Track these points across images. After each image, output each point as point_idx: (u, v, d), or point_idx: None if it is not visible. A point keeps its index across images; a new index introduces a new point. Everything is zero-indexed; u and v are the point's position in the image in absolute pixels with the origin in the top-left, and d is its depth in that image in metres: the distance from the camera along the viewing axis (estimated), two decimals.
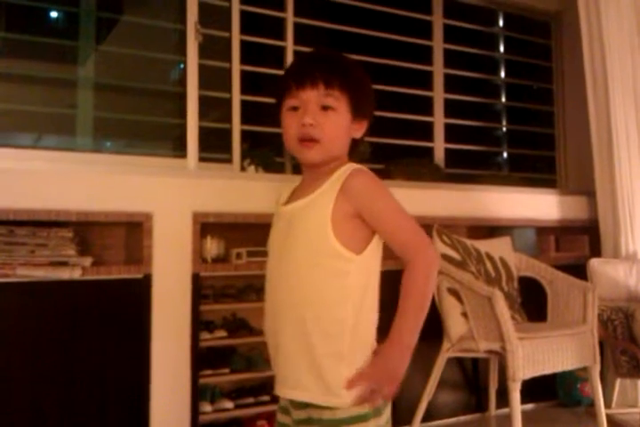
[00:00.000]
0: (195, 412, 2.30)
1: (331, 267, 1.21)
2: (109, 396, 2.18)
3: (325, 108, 1.26)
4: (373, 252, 1.25)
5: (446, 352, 2.56)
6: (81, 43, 2.75)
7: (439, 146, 3.36)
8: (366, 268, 1.24)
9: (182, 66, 2.71)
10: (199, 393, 2.32)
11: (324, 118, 1.26)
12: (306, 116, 1.26)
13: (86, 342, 2.16)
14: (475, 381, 2.96)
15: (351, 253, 1.21)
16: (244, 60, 2.84)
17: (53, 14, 2.79)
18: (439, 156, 3.34)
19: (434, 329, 2.60)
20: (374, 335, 1.26)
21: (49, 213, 2.09)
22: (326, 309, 1.20)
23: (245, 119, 2.80)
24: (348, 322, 1.20)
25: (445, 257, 2.59)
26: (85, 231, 2.24)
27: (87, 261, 2.11)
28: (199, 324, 2.35)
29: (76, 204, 2.15)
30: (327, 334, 1.20)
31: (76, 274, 2.05)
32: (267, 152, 2.81)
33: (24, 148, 2.38)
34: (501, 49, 3.80)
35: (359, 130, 1.34)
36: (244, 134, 2.80)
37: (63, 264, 2.06)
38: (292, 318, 1.22)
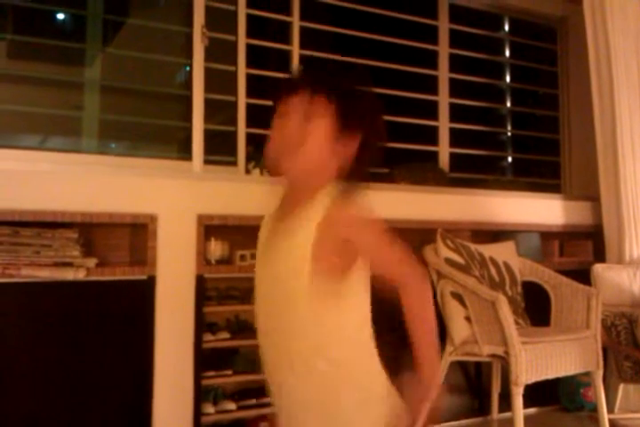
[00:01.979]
0: (197, 413, 2.30)
1: (314, 309, 1.14)
2: (112, 396, 2.19)
3: (306, 117, 1.16)
4: (358, 284, 1.17)
5: (449, 356, 2.56)
6: (87, 45, 2.76)
7: (444, 150, 3.36)
8: (354, 303, 1.17)
9: (188, 68, 2.72)
10: (202, 394, 2.33)
11: (300, 128, 1.15)
12: (277, 127, 1.17)
13: (89, 342, 2.17)
14: (477, 385, 2.95)
15: (335, 293, 1.14)
16: (249, 64, 2.85)
17: (60, 16, 2.80)
18: (444, 160, 3.34)
19: (437, 333, 2.60)
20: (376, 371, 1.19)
21: (54, 215, 2.10)
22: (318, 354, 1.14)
23: (250, 122, 2.82)
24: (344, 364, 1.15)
25: (449, 261, 2.59)
26: (90, 232, 2.25)
27: (92, 262, 2.12)
28: (203, 325, 2.35)
29: (81, 205, 2.17)
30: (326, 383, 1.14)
31: (80, 275, 2.06)
32: None
33: (30, 149, 2.39)
34: (507, 54, 3.80)
35: (344, 150, 1.17)
36: (249, 137, 2.81)
37: (68, 265, 2.07)
38: (289, 368, 1.16)
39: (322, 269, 1.12)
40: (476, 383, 2.95)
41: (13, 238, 2.02)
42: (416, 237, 2.78)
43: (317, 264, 1.12)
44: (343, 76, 1.25)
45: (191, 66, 2.65)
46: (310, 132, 1.16)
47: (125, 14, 2.84)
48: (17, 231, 2.04)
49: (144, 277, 2.24)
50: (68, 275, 2.04)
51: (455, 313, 2.55)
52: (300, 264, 1.12)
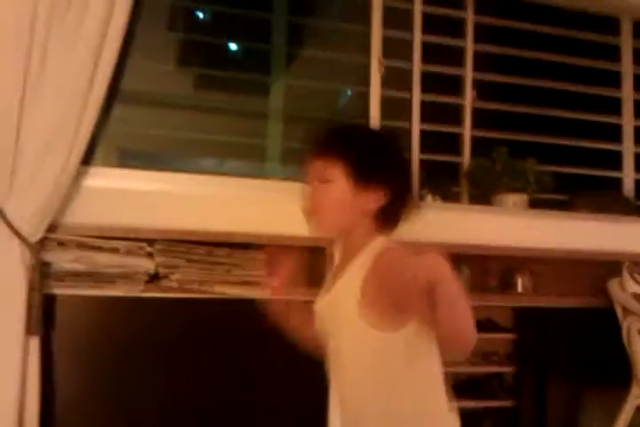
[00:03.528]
0: None
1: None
2: (284, 414, 2.29)
3: (322, 181, 1.28)
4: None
5: (636, 399, 2.38)
6: (267, 77, 2.87)
7: (629, 176, 3.16)
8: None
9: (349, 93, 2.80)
10: None
11: (319, 192, 1.28)
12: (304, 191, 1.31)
13: (269, 358, 2.29)
14: None
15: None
16: (424, 90, 2.87)
17: (234, 47, 2.94)
18: (628, 187, 3.14)
19: (621, 374, 2.43)
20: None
21: (244, 236, 2.25)
22: None
23: (424, 148, 2.83)
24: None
25: (638, 297, 2.42)
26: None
27: (276, 281, 2.23)
28: None
29: (266, 228, 2.30)
30: None
31: (265, 293, 2.18)
32: (445, 181, 2.82)
33: (227, 175, 2.56)
34: None
35: (374, 200, 1.27)
36: (423, 163, 2.83)
37: (254, 284, 2.20)
38: None
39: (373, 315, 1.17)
40: None
41: (208, 257, 2.19)
42: (599, 269, 2.63)
43: (367, 310, 1.17)
44: (359, 137, 1.32)
45: (367, 94, 2.73)
46: (327, 195, 1.27)
47: (300, 45, 2.97)
48: (212, 251, 2.21)
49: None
50: (255, 293, 2.18)
51: None
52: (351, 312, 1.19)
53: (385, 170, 1.28)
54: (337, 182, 1.26)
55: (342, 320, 1.24)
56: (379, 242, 1.27)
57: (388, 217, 1.30)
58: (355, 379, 1.24)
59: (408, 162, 1.36)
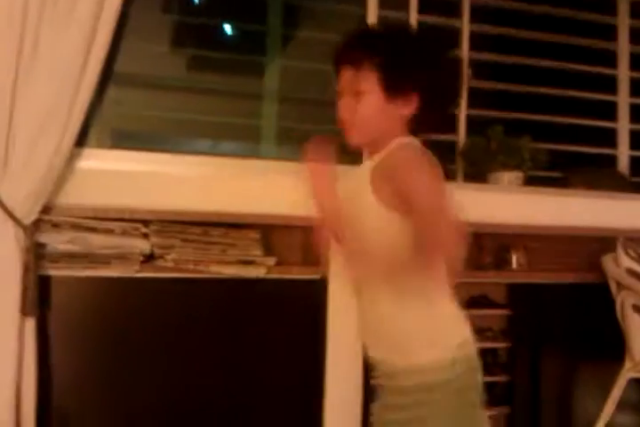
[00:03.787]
0: (367, 415, 2.35)
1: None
2: (280, 395, 2.30)
3: (355, 90, 1.28)
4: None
5: (628, 372, 2.40)
6: (252, 57, 2.86)
7: (623, 154, 3.16)
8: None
9: None
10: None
11: (353, 104, 1.29)
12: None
13: (266, 337, 2.31)
14: None
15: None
16: None
17: (228, 28, 2.90)
18: (623, 164, 3.14)
19: (614, 348, 2.45)
20: None
21: (236, 216, 2.25)
22: None
23: None
24: None
25: (631, 272, 2.43)
26: (269, 233, 2.38)
27: (271, 260, 2.25)
28: None
29: (260, 207, 2.30)
30: None
31: (261, 272, 2.20)
32: (440, 159, 2.80)
33: (222, 155, 2.56)
34: None
35: (406, 106, 1.29)
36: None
37: (250, 263, 2.21)
38: None
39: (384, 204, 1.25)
40: None
41: (204, 237, 2.20)
42: (594, 245, 2.64)
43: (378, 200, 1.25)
44: (387, 39, 1.31)
45: None
46: (361, 103, 1.28)
47: (295, 27, 2.95)
48: (207, 231, 2.21)
49: (317, 276, 2.33)
50: (251, 272, 2.18)
51: (636, 328, 2.39)
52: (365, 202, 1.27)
53: (417, 76, 1.28)
54: (370, 93, 1.28)
55: (360, 208, 1.31)
56: (398, 140, 1.31)
57: (421, 122, 1.33)
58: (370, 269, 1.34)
59: (447, 62, 1.34)
